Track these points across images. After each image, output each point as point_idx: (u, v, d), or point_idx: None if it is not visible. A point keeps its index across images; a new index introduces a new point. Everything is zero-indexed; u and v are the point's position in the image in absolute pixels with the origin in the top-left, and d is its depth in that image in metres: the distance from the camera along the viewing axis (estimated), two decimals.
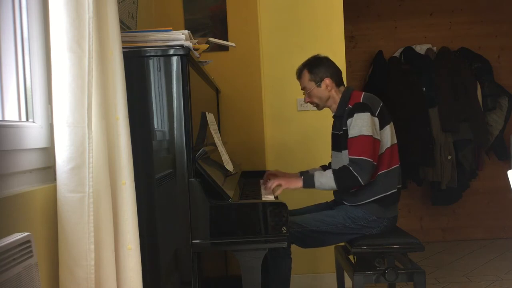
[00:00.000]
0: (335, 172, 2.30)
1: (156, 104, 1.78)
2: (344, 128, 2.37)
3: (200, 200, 1.78)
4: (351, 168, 2.26)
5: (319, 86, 2.46)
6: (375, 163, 2.28)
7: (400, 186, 2.44)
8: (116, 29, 1.54)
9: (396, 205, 2.44)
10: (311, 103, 2.54)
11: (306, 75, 2.48)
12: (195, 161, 1.80)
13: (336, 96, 2.46)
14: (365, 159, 2.24)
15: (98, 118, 1.43)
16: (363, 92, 2.44)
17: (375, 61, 4.51)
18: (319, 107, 2.54)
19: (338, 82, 2.48)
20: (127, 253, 1.54)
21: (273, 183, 2.31)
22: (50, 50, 1.37)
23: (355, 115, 2.30)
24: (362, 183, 2.25)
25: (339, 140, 2.43)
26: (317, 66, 2.47)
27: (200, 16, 3.15)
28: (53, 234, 1.37)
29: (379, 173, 2.35)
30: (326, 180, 2.30)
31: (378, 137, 2.31)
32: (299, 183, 2.35)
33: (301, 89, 2.56)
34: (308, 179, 2.34)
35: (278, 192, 2.26)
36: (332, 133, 2.57)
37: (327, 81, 2.44)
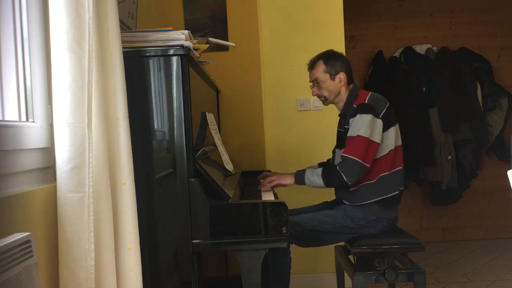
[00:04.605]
0: (323, 171, 2.32)
1: (156, 104, 1.78)
2: (346, 126, 2.38)
3: (200, 200, 1.78)
4: (337, 167, 2.29)
5: (332, 79, 2.44)
6: (367, 165, 2.27)
7: (403, 188, 2.44)
8: (116, 29, 1.54)
9: (397, 206, 2.43)
10: (319, 96, 2.50)
11: (321, 66, 2.46)
12: (195, 161, 1.80)
13: (344, 93, 2.46)
14: (354, 159, 2.25)
15: (98, 118, 1.43)
16: (370, 92, 2.43)
17: (375, 61, 4.51)
18: (326, 101, 2.51)
19: (349, 79, 2.48)
20: (127, 253, 1.54)
21: (266, 180, 2.40)
22: (50, 50, 1.37)
23: (357, 115, 2.31)
24: (348, 182, 2.27)
25: (343, 138, 2.43)
26: (334, 59, 2.46)
27: (200, 16, 3.15)
28: (53, 234, 1.37)
29: (380, 175, 2.35)
30: (315, 178, 2.32)
31: (377, 140, 2.30)
32: (291, 180, 2.40)
33: (311, 81, 2.52)
34: (299, 175, 2.39)
35: (270, 186, 2.36)
36: (337, 130, 2.58)
37: (342, 75, 2.44)
